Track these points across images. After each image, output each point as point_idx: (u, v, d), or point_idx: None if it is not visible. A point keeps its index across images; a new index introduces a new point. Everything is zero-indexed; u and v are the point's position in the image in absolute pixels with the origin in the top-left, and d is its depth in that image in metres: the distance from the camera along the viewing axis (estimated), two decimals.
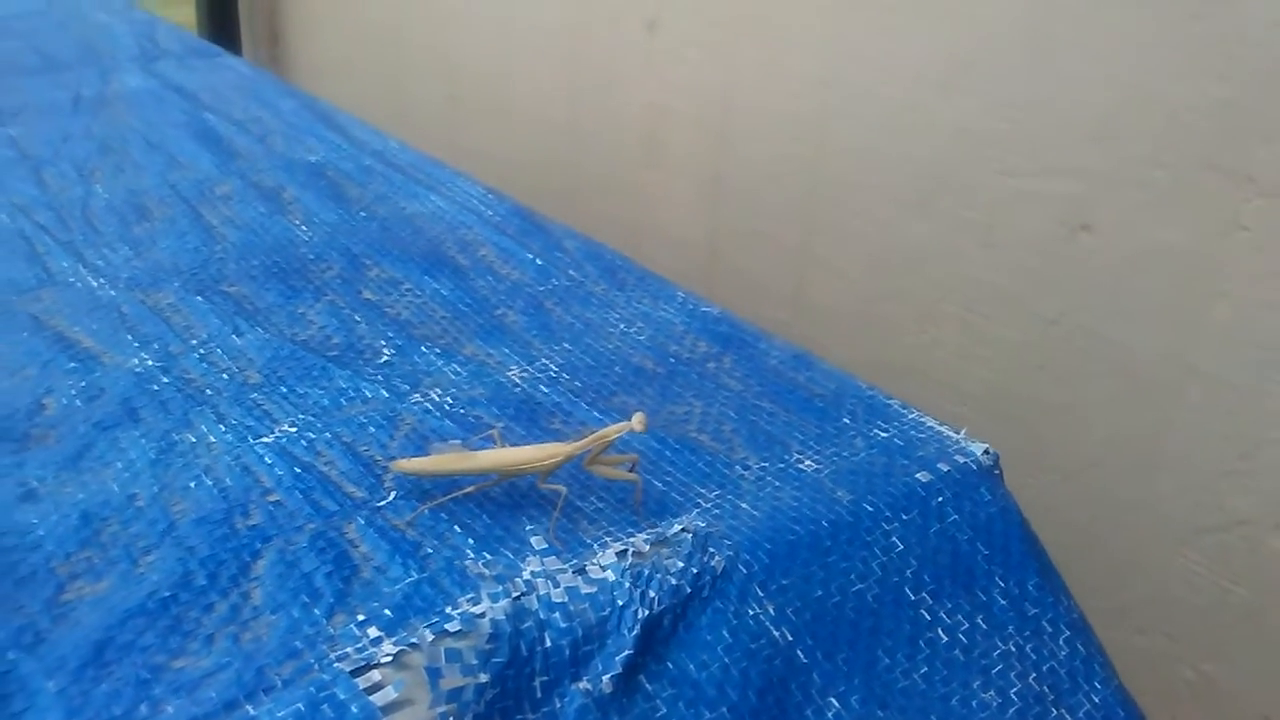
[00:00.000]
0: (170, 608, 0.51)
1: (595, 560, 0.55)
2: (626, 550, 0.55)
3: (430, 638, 0.48)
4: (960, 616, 0.60)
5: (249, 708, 0.45)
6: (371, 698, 0.46)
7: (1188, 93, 0.93)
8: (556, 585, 0.53)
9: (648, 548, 0.56)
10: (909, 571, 0.61)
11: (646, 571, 0.54)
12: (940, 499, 0.65)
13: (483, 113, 1.72)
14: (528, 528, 0.57)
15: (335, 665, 0.48)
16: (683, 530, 0.58)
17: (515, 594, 0.52)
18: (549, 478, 0.60)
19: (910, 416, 0.72)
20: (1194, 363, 0.98)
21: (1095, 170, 1.01)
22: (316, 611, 0.51)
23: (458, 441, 0.64)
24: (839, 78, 1.19)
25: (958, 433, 0.70)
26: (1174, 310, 0.98)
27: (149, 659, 0.48)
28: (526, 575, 0.53)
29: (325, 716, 0.45)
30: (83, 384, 0.68)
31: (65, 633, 0.49)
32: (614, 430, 0.59)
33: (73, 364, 0.70)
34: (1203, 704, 1.07)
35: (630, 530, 0.58)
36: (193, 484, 0.60)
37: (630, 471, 0.61)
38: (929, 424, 0.71)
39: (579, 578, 0.53)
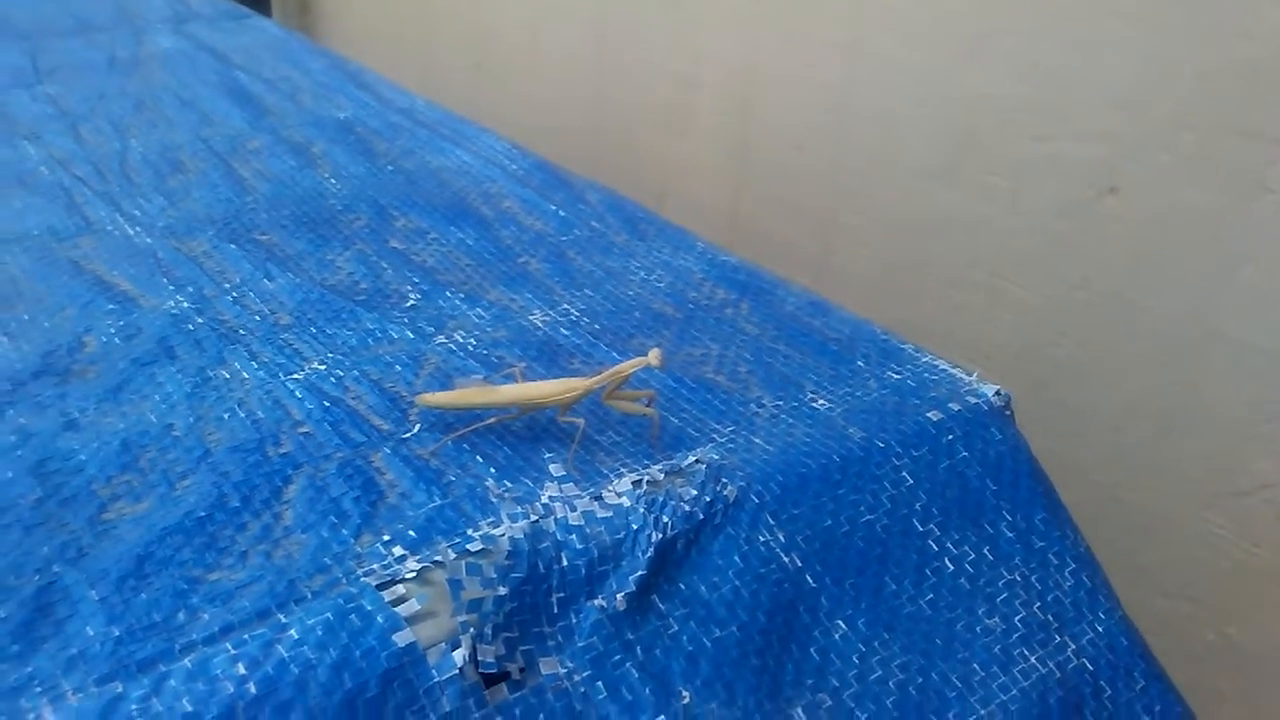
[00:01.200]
0: (206, 526, 0.53)
1: (611, 488, 0.57)
2: (642, 479, 0.57)
3: (453, 555, 0.50)
4: (967, 547, 0.62)
5: (280, 616, 0.48)
6: (397, 609, 0.49)
7: (1214, 56, 0.93)
8: (573, 509, 0.55)
9: (662, 477, 0.58)
10: (918, 504, 0.62)
11: (661, 498, 0.56)
12: (951, 436, 0.66)
13: (509, 80, 1.73)
14: (546, 456, 0.59)
15: (362, 580, 0.50)
16: (697, 461, 0.59)
17: (534, 517, 0.54)
18: (568, 411, 0.62)
19: (924, 359, 0.73)
20: (1219, 326, 0.98)
21: (1121, 134, 1.01)
22: (344, 532, 0.53)
23: (479, 376, 0.66)
24: (863, 45, 1.19)
25: (970, 375, 0.72)
26: (1199, 273, 0.99)
27: (186, 572, 0.50)
28: (544, 500, 0.55)
29: (353, 625, 0.48)
30: (121, 324, 0.70)
31: (107, 548, 0.52)
32: (630, 365, 0.61)
33: (111, 305, 0.72)
34: (1225, 666, 1.07)
35: (646, 462, 0.60)
36: (226, 415, 0.62)
37: (647, 406, 0.63)
38: (942, 366, 0.73)
39: (595, 503, 0.55)
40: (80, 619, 0.48)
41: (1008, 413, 0.70)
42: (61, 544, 0.52)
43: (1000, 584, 0.61)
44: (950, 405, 0.68)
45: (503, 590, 0.50)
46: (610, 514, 0.55)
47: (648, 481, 0.57)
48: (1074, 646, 0.60)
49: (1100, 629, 0.61)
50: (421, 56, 1.95)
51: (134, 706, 0.43)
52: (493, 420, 0.61)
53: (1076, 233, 1.07)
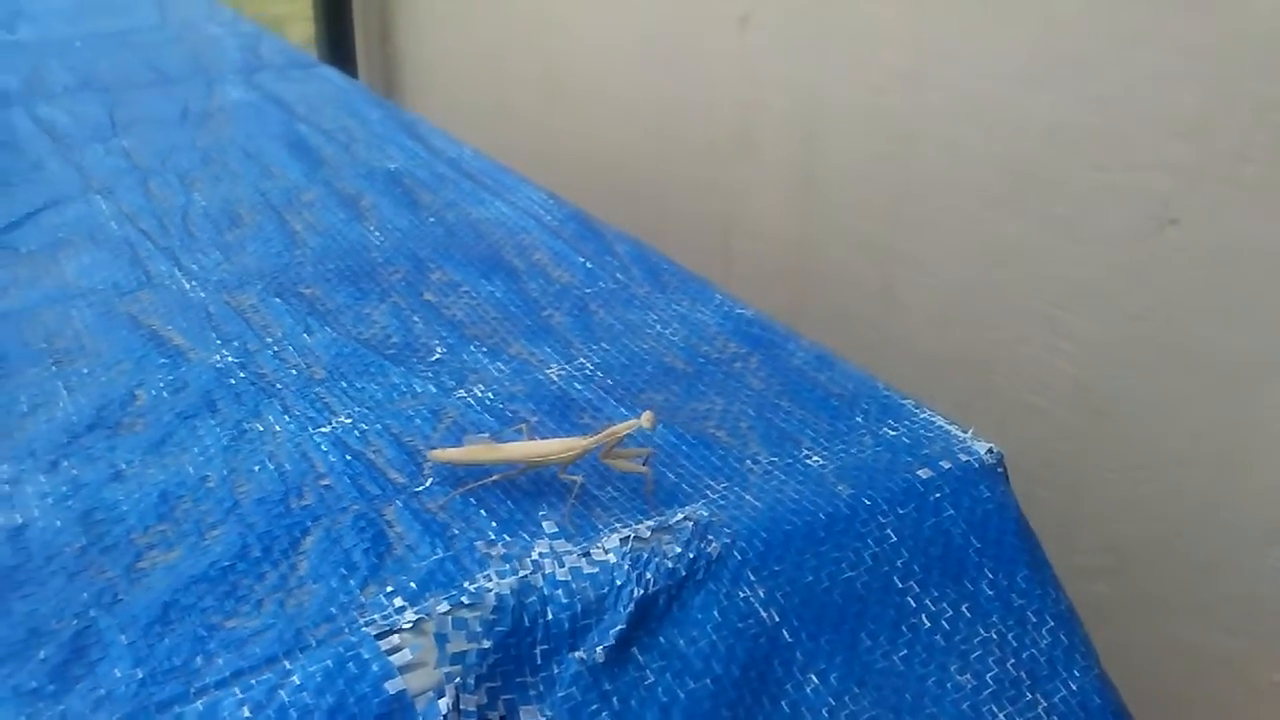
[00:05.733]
0: (228, 575, 0.59)
1: (600, 544, 0.61)
2: (629, 536, 0.61)
3: (444, 609, 0.55)
4: (945, 604, 0.64)
5: (286, 663, 0.53)
6: (391, 658, 0.53)
7: (1276, 88, 0.93)
8: (562, 565, 0.59)
9: (649, 534, 0.62)
10: (899, 562, 0.65)
11: (645, 555, 0.60)
12: (938, 494, 0.69)
13: (581, 108, 1.78)
14: (541, 513, 0.63)
15: (363, 629, 0.55)
16: (685, 519, 0.63)
17: (523, 572, 0.58)
18: (568, 469, 0.66)
19: (921, 416, 0.76)
20: None
21: (1183, 165, 1.01)
22: (352, 582, 0.58)
23: (487, 434, 0.70)
24: (926, 73, 1.21)
25: (965, 432, 0.74)
26: (1261, 307, 0.99)
27: (206, 619, 0.56)
28: (535, 555, 0.59)
29: (350, 672, 0.52)
30: (171, 378, 0.77)
31: (139, 595, 0.57)
32: (624, 427, 0.65)
33: (163, 359, 0.79)
34: None
35: (639, 518, 0.64)
36: (257, 468, 0.68)
37: (644, 464, 0.67)
38: (938, 423, 0.75)
39: (583, 559, 0.60)
40: (110, 661, 0.53)
41: (1000, 470, 0.72)
42: (99, 590, 0.57)
43: (975, 641, 0.63)
44: (941, 463, 0.71)
45: (487, 643, 0.54)
46: (596, 570, 0.59)
47: (635, 538, 0.61)
48: (1045, 704, 0.62)
49: (1074, 686, 0.63)
50: (496, 90, 2.01)
51: None
52: (498, 477, 0.66)
53: (1137, 264, 1.07)
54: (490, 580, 0.57)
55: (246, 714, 0.50)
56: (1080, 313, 1.15)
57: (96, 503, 0.64)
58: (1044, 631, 0.65)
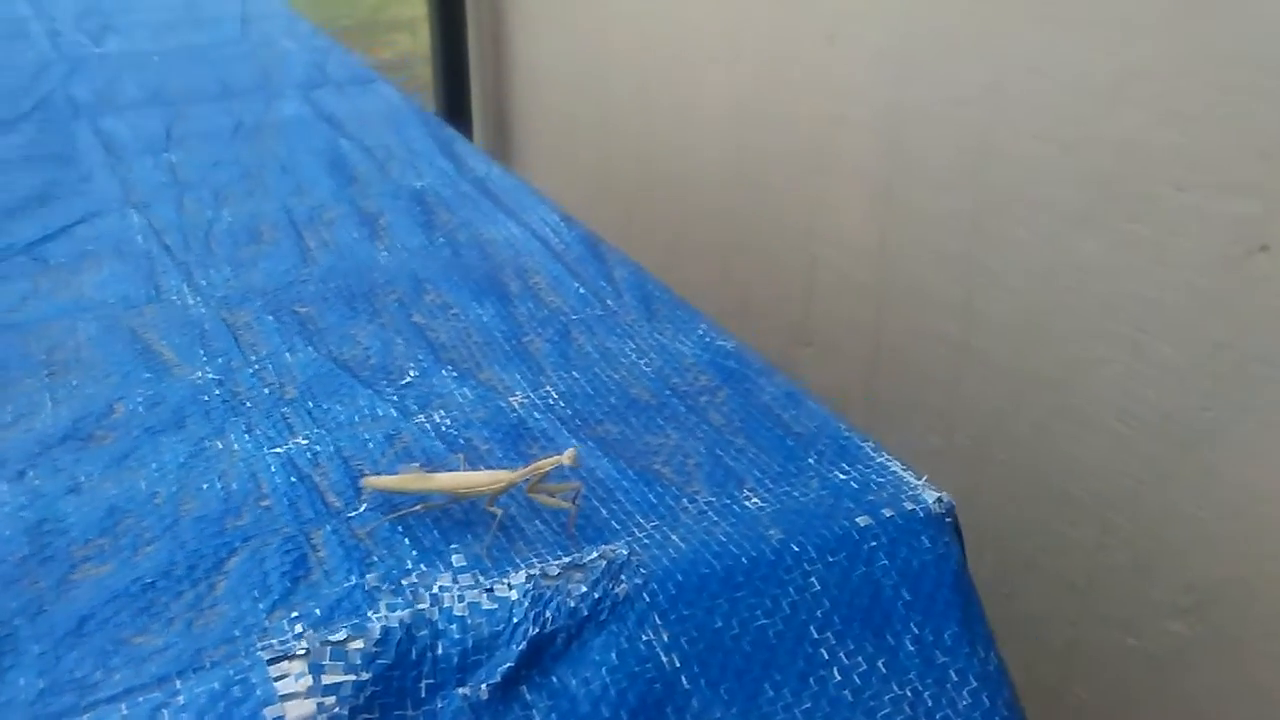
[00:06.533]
0: (149, 592, 0.61)
1: (506, 580, 0.61)
2: (536, 573, 0.62)
3: (325, 637, 0.57)
4: (860, 659, 0.63)
5: (177, 682, 0.55)
6: (276, 684, 0.55)
7: None
8: (461, 600, 0.60)
9: (557, 572, 0.62)
10: (819, 611, 0.64)
11: (549, 594, 0.61)
12: (874, 543, 0.67)
13: (675, 117, 1.78)
14: (453, 546, 0.64)
15: (258, 653, 0.57)
16: (599, 557, 0.63)
17: (420, 605, 0.59)
18: (495, 501, 0.67)
19: (877, 460, 0.74)
20: None
21: (1273, 188, 0.97)
22: (261, 606, 0.60)
23: (417, 464, 0.72)
24: (1006, 86, 1.19)
25: (919, 479, 0.73)
26: None
27: (117, 634, 0.58)
28: (436, 589, 0.60)
29: (234, 696, 0.54)
30: (150, 393, 0.80)
31: (62, 606, 0.60)
32: (548, 462, 0.66)
33: (148, 374, 0.83)
34: None
35: (558, 554, 0.64)
36: (205, 486, 0.70)
37: (574, 499, 0.68)
38: (893, 469, 0.74)
39: (484, 595, 0.60)
40: (19, 670, 0.56)
41: (947, 520, 0.70)
42: (28, 600, 0.61)
43: (886, 698, 0.62)
44: (883, 510, 0.69)
45: (365, 675, 0.55)
46: (495, 606, 0.60)
47: (542, 575, 0.62)
48: None
49: None
50: (597, 111, 2.03)
51: None
52: (421, 507, 0.67)
53: (1224, 290, 1.03)
54: (379, 612, 0.58)
55: None
56: (1164, 338, 1.10)
57: (49, 514, 0.68)
58: (965, 692, 0.63)
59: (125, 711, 0.53)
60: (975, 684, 0.63)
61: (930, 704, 0.62)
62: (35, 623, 0.59)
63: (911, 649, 0.64)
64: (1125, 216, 1.10)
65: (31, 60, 1.60)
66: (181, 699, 0.54)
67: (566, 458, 0.65)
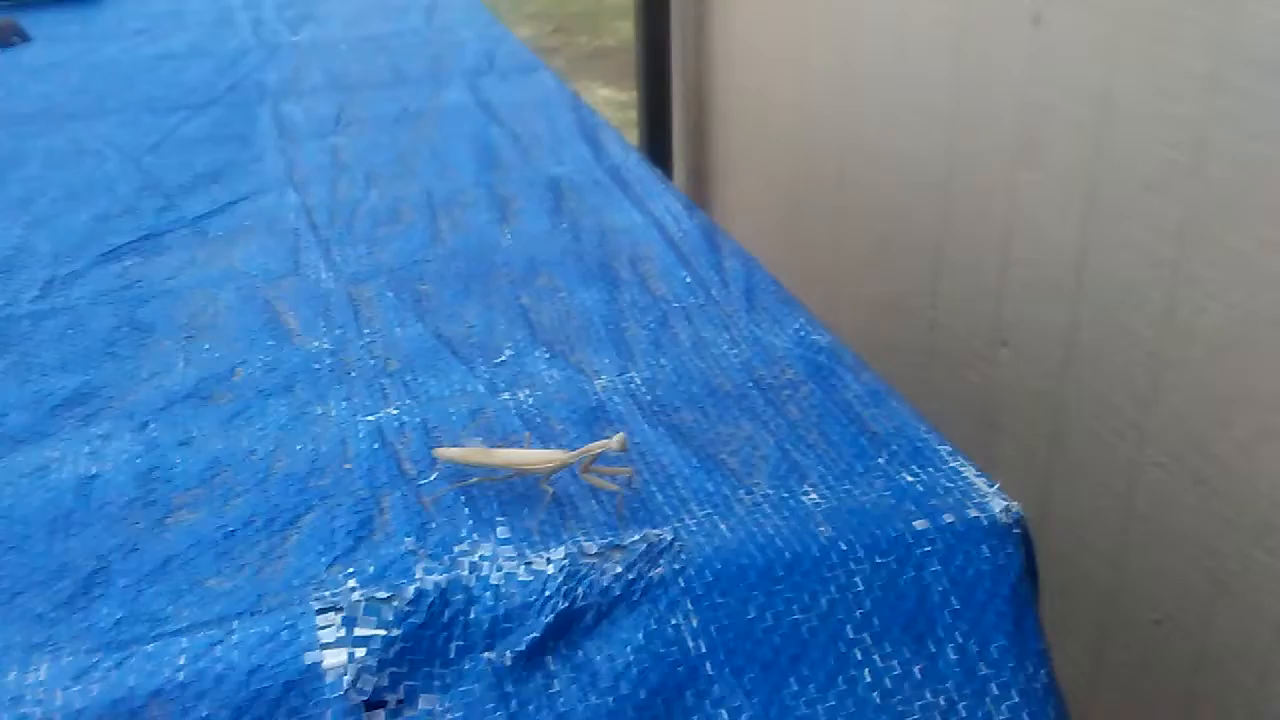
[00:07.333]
0: (228, 540, 0.67)
1: (545, 554, 0.64)
2: (574, 550, 0.64)
3: (364, 594, 0.60)
4: (895, 662, 0.62)
5: (235, 623, 0.60)
6: (319, 632, 0.59)
7: None
8: (500, 570, 0.63)
9: (595, 550, 0.64)
10: (859, 611, 0.64)
11: (583, 570, 0.63)
12: (929, 548, 0.66)
13: (876, 102, 1.76)
14: (505, 518, 0.67)
15: (311, 602, 0.61)
16: (640, 539, 0.65)
17: (460, 571, 0.62)
18: (549, 479, 0.69)
19: (949, 465, 0.73)
20: None
21: None
22: (323, 560, 0.65)
23: (480, 439, 0.75)
24: (1224, 76, 1.12)
25: (990, 486, 0.71)
26: None
27: (194, 574, 0.64)
28: (477, 557, 0.63)
29: (281, 639, 0.59)
30: (270, 359, 0.87)
31: (153, 547, 0.67)
32: (598, 446, 0.68)
33: (271, 341, 0.89)
34: None
35: (606, 534, 0.66)
36: (299, 447, 0.76)
37: (629, 483, 0.70)
38: (965, 474, 0.72)
39: (522, 567, 0.63)
40: (105, 600, 0.63)
41: (1015, 531, 0.68)
42: (125, 539, 0.67)
43: (917, 704, 0.61)
44: (944, 516, 0.68)
45: (396, 631, 0.59)
46: (531, 579, 0.62)
47: (580, 553, 0.64)
48: None
49: None
50: (794, 92, 2.03)
51: (100, 673, 0.57)
52: (477, 479, 0.70)
53: None
54: (418, 575, 0.62)
55: (182, 661, 0.58)
56: None
57: (160, 463, 0.74)
58: (1004, 707, 0.61)
59: (185, 644, 0.59)
60: (1017, 699, 0.61)
61: (964, 715, 0.61)
62: (128, 559, 0.66)
63: (953, 658, 0.63)
64: None
65: (233, 48, 1.74)
66: (235, 637, 0.59)
67: (615, 443, 0.67)
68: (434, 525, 0.67)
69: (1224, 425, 1.18)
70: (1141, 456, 1.29)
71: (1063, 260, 1.39)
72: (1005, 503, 0.69)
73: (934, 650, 0.63)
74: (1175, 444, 1.24)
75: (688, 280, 0.98)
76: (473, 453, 0.72)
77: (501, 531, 0.66)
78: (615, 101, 4.20)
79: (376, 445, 0.75)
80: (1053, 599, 1.45)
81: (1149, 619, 1.30)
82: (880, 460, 0.74)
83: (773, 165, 2.11)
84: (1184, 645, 1.26)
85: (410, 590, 0.61)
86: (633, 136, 2.38)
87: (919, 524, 0.67)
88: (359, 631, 0.59)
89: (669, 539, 0.65)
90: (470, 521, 0.68)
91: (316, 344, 0.89)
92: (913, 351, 1.69)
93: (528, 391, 0.82)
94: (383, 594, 0.60)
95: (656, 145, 2.42)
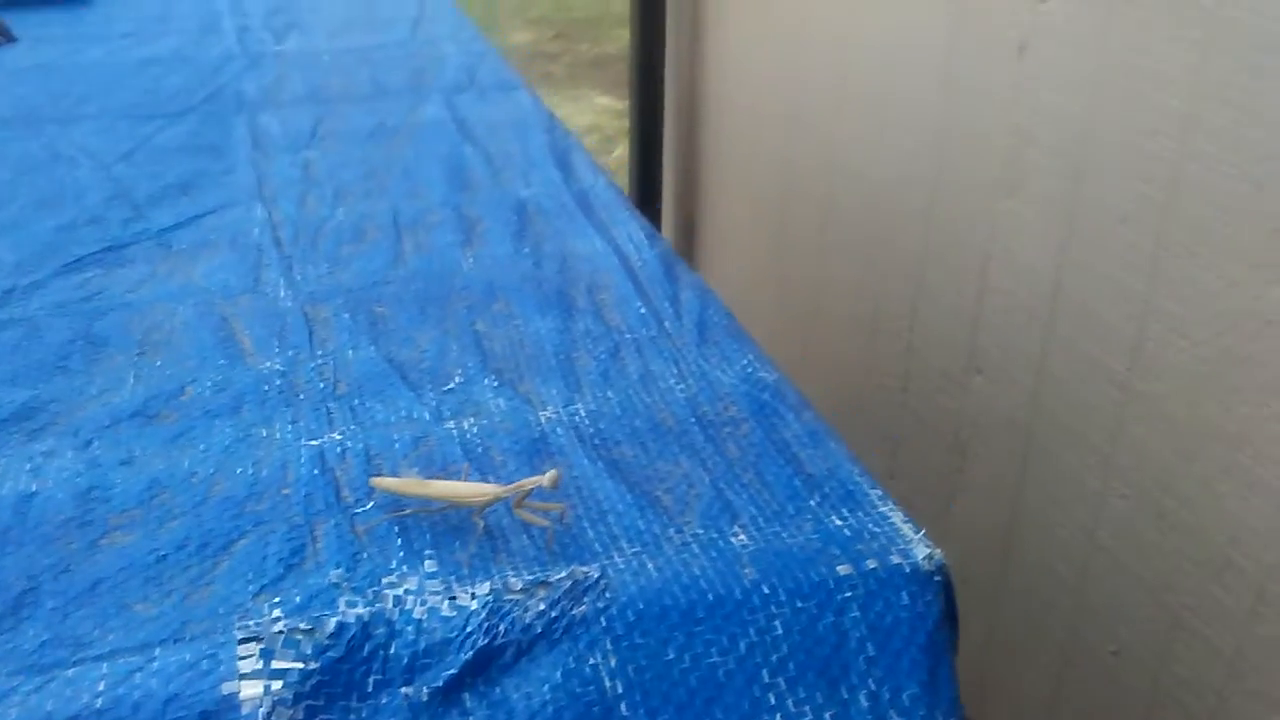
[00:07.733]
0: (159, 564, 0.68)
1: (470, 589, 0.65)
2: (500, 587, 0.65)
3: (283, 625, 0.61)
4: (808, 708, 0.63)
5: (158, 650, 0.61)
6: (240, 663, 0.60)
7: None
8: (423, 604, 0.63)
9: (520, 586, 0.65)
10: (775, 656, 0.65)
11: (506, 607, 0.64)
12: (849, 594, 0.67)
13: (866, 128, 1.77)
14: (435, 551, 0.68)
15: (234, 631, 0.62)
16: (567, 577, 0.66)
17: (383, 604, 0.63)
18: (482, 513, 0.70)
19: (879, 510, 0.74)
20: None
21: None
22: (251, 588, 0.66)
23: (417, 470, 0.76)
24: (1201, 117, 1.14)
25: (917, 532, 0.72)
26: None
27: (121, 599, 0.65)
28: (402, 591, 0.64)
29: (201, 668, 0.60)
30: (220, 379, 0.88)
31: (85, 569, 0.67)
32: (530, 482, 0.69)
33: (223, 360, 0.90)
34: None
35: (534, 569, 0.67)
36: (239, 470, 0.77)
37: (561, 519, 0.71)
38: (892, 520, 0.73)
39: (446, 602, 0.64)
40: (32, 621, 0.63)
41: (935, 579, 0.69)
42: (58, 559, 0.68)
43: None
44: (867, 562, 0.69)
45: (313, 665, 0.60)
46: (454, 614, 0.63)
47: (504, 589, 0.65)
48: None
49: None
50: (788, 106, 2.04)
51: (20, 697, 0.58)
52: (410, 511, 0.71)
53: None
54: (341, 608, 0.62)
55: (101, 688, 0.59)
56: None
57: (99, 482, 0.75)
58: None
59: (105, 670, 0.59)
60: None
61: None
62: (58, 580, 0.66)
63: (865, 704, 0.63)
64: None
65: (216, 55, 1.75)
66: (156, 665, 0.60)
67: (547, 480, 0.68)
68: (365, 556, 0.68)
69: (1188, 460, 1.19)
70: (1106, 488, 1.30)
71: (1038, 290, 1.40)
72: (929, 550, 0.70)
73: (846, 696, 0.64)
74: (1139, 477, 1.25)
75: (642, 311, 0.99)
76: (409, 483, 0.72)
77: (429, 565, 0.67)
78: (613, 110, 4.22)
79: (316, 471, 0.76)
80: (1016, 625, 1.46)
81: (1108, 650, 1.31)
82: (812, 502, 0.75)
83: (761, 180, 2.12)
84: (1140, 678, 1.27)
85: (331, 623, 0.61)
86: (626, 146, 2.39)
87: (842, 569, 0.68)
88: (276, 664, 0.59)
89: (595, 576, 0.66)
90: (401, 553, 0.68)
91: (268, 364, 0.90)
92: (889, 375, 1.70)
93: (472, 420, 0.83)
94: (304, 626, 0.61)
95: (647, 156, 2.43)
